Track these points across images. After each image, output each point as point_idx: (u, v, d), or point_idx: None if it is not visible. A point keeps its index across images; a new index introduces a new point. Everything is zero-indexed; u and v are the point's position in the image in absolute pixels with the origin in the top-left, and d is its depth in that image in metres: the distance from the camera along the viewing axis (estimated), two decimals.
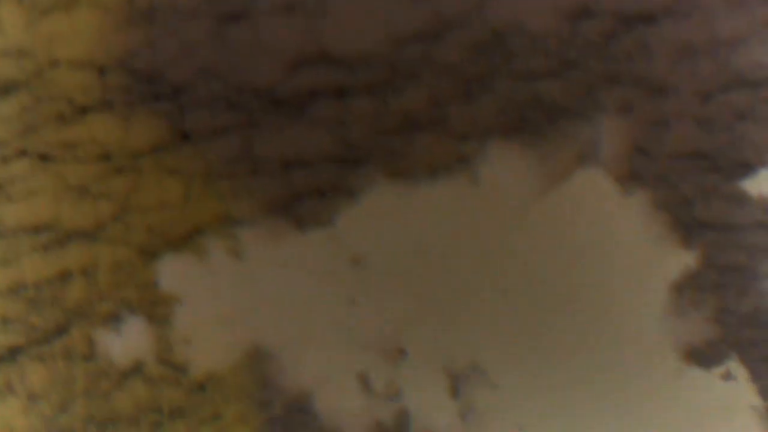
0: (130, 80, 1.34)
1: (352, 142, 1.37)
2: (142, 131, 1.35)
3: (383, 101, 1.37)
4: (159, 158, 1.36)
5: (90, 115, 1.35)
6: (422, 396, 1.36)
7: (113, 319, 1.37)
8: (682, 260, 1.36)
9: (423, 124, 1.37)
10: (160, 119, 1.35)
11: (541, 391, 1.36)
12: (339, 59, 1.36)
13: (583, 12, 1.36)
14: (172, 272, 1.36)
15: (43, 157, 1.35)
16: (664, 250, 1.36)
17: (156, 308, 1.37)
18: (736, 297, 1.36)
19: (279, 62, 1.36)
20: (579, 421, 1.36)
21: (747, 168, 1.36)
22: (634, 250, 1.36)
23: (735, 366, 1.35)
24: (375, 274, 1.36)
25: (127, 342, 1.37)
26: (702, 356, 1.36)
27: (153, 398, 1.38)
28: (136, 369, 1.38)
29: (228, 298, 1.36)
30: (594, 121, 1.36)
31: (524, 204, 1.37)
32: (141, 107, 1.35)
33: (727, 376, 1.35)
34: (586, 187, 1.36)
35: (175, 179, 1.36)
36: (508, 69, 1.37)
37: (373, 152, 1.37)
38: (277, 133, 1.36)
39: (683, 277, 1.36)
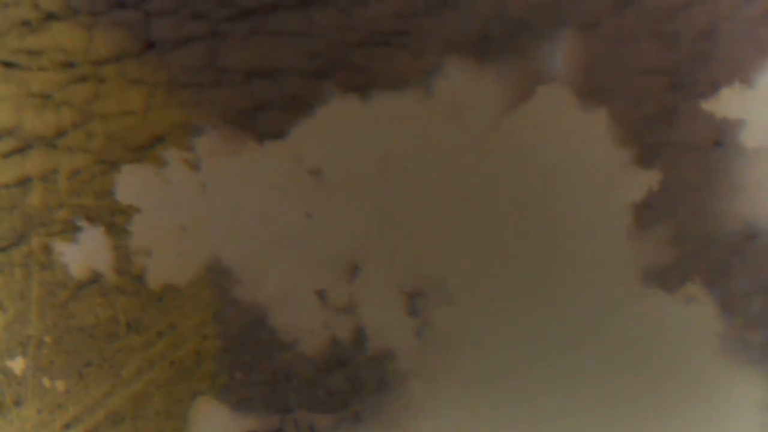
0: None
1: (315, 55, 1.37)
2: (106, 40, 1.36)
3: (347, 14, 1.36)
4: (122, 67, 1.36)
5: (54, 22, 1.35)
6: (379, 312, 1.35)
7: (71, 229, 1.37)
8: (642, 179, 1.34)
9: (386, 39, 1.37)
10: (124, 28, 1.36)
11: (499, 309, 1.34)
12: None
13: None
14: (132, 182, 1.36)
15: (7, 65, 1.36)
16: (627, 170, 1.34)
17: (114, 218, 1.36)
18: (697, 218, 1.34)
19: None
20: (537, 339, 1.33)
21: (709, 87, 1.34)
22: (594, 167, 1.35)
23: (695, 288, 1.33)
24: (332, 188, 1.35)
25: (84, 252, 1.37)
26: (664, 279, 1.34)
27: (110, 309, 1.36)
28: (94, 280, 1.37)
29: (186, 209, 1.36)
30: (556, 36, 1.35)
31: (483, 119, 1.36)
32: (105, 16, 1.36)
33: (688, 298, 1.33)
34: (546, 102, 1.35)
35: (137, 88, 1.36)
36: None
37: (335, 65, 1.36)
38: (240, 44, 1.36)
39: (644, 197, 1.34)
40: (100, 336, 1.36)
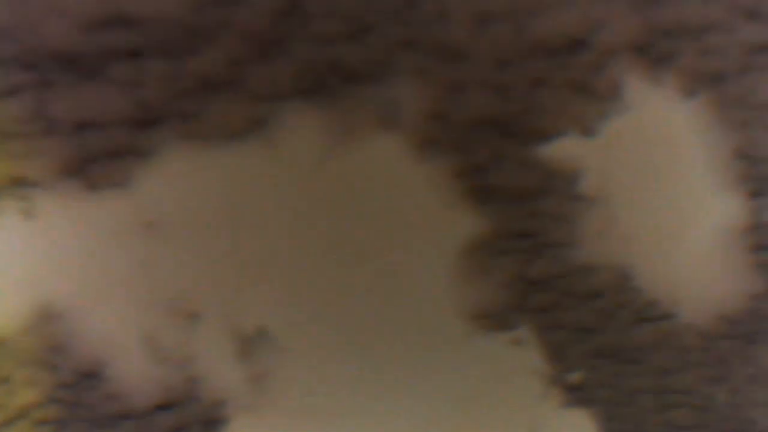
0: None
1: (147, 104, 1.35)
2: None
3: (180, 63, 1.35)
4: None
5: None
6: (213, 360, 1.35)
7: None
8: (474, 226, 1.35)
9: (219, 87, 1.36)
10: None
11: (332, 356, 1.35)
12: (135, 20, 1.35)
13: None
14: None
15: None
16: (457, 216, 1.35)
17: None
18: (528, 263, 1.35)
19: (74, 22, 1.35)
20: (368, 385, 1.35)
21: (542, 135, 1.35)
22: (427, 215, 1.35)
23: (525, 332, 1.35)
24: (168, 237, 1.35)
25: None
26: (492, 322, 1.35)
27: None
28: None
29: (19, 258, 1.35)
30: (391, 85, 1.35)
31: (319, 168, 1.36)
32: None
33: (517, 342, 1.35)
34: (381, 152, 1.35)
35: None
36: (306, 32, 1.35)
37: (168, 114, 1.35)
38: (71, 94, 1.35)
39: (475, 243, 1.35)
40: None
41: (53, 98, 1.35)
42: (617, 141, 1.34)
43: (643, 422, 1.36)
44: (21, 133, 1.34)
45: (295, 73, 1.35)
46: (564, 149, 1.34)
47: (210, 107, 1.36)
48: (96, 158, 1.35)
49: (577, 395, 1.35)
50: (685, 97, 1.33)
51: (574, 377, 1.35)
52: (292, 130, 1.35)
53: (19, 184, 1.34)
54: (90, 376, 1.35)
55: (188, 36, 1.35)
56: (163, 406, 1.34)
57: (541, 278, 1.34)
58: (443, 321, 1.34)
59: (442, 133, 1.35)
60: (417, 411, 1.35)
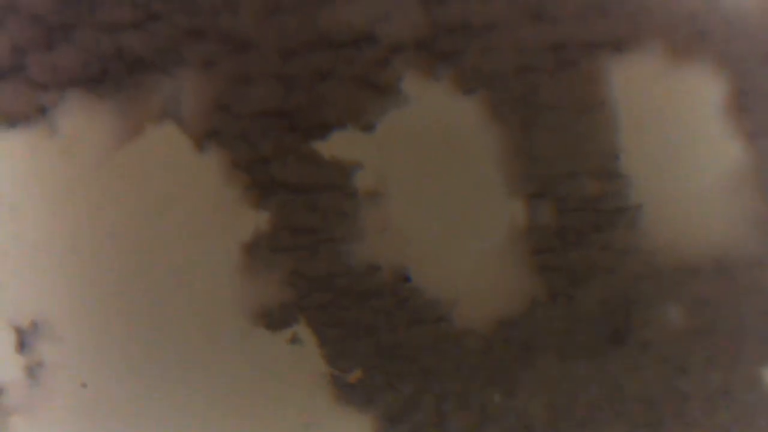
0: None
1: None
2: None
3: None
4: None
5: None
6: None
7: None
8: (255, 220, 1.34)
9: (2, 73, 1.35)
10: None
11: (109, 346, 1.33)
12: None
13: None
14: None
15: None
16: (238, 210, 1.34)
17: None
18: (308, 260, 1.34)
19: None
20: (144, 378, 1.33)
21: (324, 129, 1.34)
22: (208, 209, 1.34)
23: (303, 330, 1.33)
24: None
25: None
26: (270, 318, 1.33)
27: None
28: None
29: None
30: (175, 75, 1.34)
31: (101, 157, 1.34)
32: None
33: (294, 340, 1.33)
34: (162, 143, 1.34)
35: None
36: (92, 19, 1.35)
37: None
38: None
39: (255, 238, 1.34)
40: None
41: None
42: (396, 136, 1.33)
43: (421, 424, 1.34)
44: None
45: (79, 61, 1.34)
46: (343, 143, 1.33)
47: None
48: None
49: (355, 394, 1.34)
50: (464, 95, 1.32)
51: (352, 376, 1.33)
52: (75, 118, 1.34)
53: None
54: None
55: None
56: None
57: (319, 275, 1.33)
58: (223, 317, 1.32)
59: (225, 124, 1.34)
60: (195, 408, 1.33)
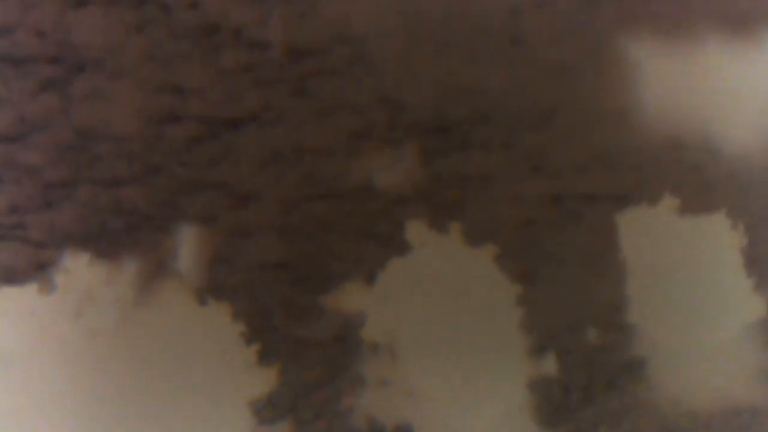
0: None
1: None
2: None
3: None
4: None
5: None
6: None
7: None
8: (260, 376, 1.32)
9: (1, 232, 1.33)
10: None
11: None
12: None
13: (169, 116, 1.33)
14: None
15: None
16: (245, 365, 1.32)
17: None
18: (313, 415, 1.32)
19: None
20: None
21: (327, 280, 1.33)
22: (216, 364, 1.32)
23: None
24: None
25: None
26: None
27: None
28: None
29: None
30: (175, 229, 1.33)
31: (106, 314, 1.33)
32: None
33: None
34: (165, 298, 1.32)
35: None
36: (91, 174, 1.33)
37: None
38: None
39: (262, 394, 1.32)
40: None
41: None
42: (400, 288, 1.31)
43: None
44: None
45: (77, 217, 1.33)
46: (347, 295, 1.31)
47: None
48: None
49: None
50: (469, 246, 1.31)
51: None
52: (74, 275, 1.32)
53: None
54: None
55: None
56: None
57: (327, 429, 1.31)
58: None
59: (227, 278, 1.32)
60: None
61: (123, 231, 1.33)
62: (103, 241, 1.33)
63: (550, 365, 1.31)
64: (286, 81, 1.32)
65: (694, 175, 1.32)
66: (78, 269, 1.32)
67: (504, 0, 1.32)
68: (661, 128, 1.33)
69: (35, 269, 1.33)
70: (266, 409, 1.32)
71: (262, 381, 1.32)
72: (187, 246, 1.33)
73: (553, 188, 1.32)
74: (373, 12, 1.32)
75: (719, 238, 1.32)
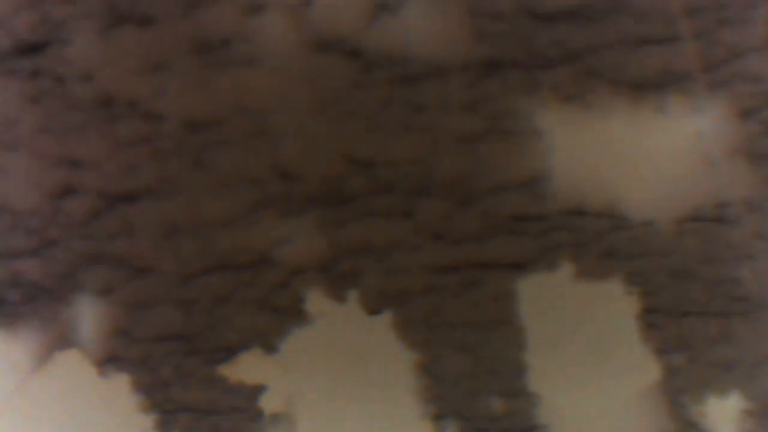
0: None
1: None
2: None
3: None
4: None
5: None
6: None
7: None
8: None
9: None
10: None
11: None
12: None
13: (66, 190, 1.33)
14: None
15: None
16: None
17: None
18: None
19: None
20: None
21: (226, 351, 1.32)
22: None
23: None
24: None
25: None
26: None
27: None
28: None
29: None
30: (74, 301, 1.32)
31: (1, 384, 1.32)
32: None
33: None
34: (63, 369, 1.32)
35: None
36: None
37: None
38: None
39: None
40: None
41: None
42: (301, 357, 1.31)
43: None
44: None
45: None
46: (248, 365, 1.31)
47: None
48: None
49: None
50: (370, 315, 1.31)
51: None
52: None
53: None
54: None
55: None
56: None
57: None
58: None
59: (126, 349, 1.32)
60: None
61: (21, 302, 1.33)
62: (1, 312, 1.32)
63: None
64: (183, 153, 1.32)
65: (594, 241, 1.32)
66: None
67: (405, 69, 1.31)
68: (563, 196, 1.33)
69: None
70: None
71: None
72: (86, 318, 1.32)
73: (453, 256, 1.32)
74: (272, 83, 1.31)
75: (616, 304, 1.32)
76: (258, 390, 1.33)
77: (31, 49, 1.30)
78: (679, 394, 1.31)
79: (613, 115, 1.32)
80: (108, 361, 1.32)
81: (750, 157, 1.34)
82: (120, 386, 1.32)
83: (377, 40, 1.31)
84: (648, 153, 1.33)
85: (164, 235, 1.33)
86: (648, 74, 1.33)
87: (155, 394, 1.32)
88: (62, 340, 1.32)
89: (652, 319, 1.32)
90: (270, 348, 1.32)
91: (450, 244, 1.32)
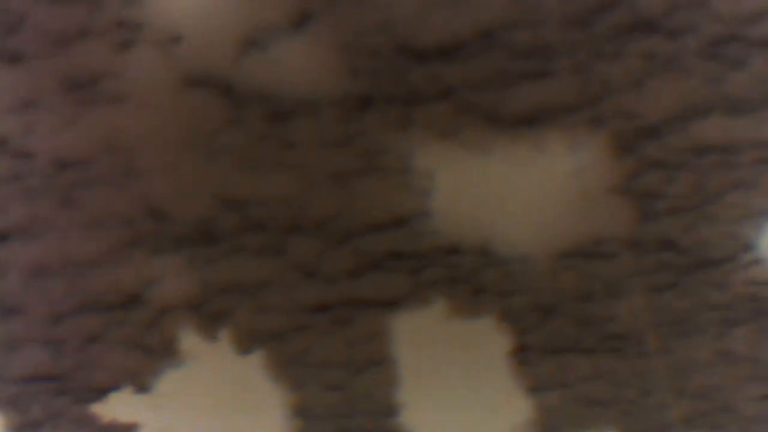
0: None
1: None
2: None
3: None
4: None
5: None
6: None
7: None
8: None
9: None
10: None
11: None
12: None
13: None
14: None
15: None
16: None
17: None
18: None
19: None
20: None
21: (98, 392, 1.32)
22: None
23: None
24: None
25: None
26: None
27: None
28: None
29: None
30: None
31: None
32: None
33: None
34: None
35: None
36: None
37: None
38: None
39: None
40: None
41: None
42: (174, 397, 1.30)
43: None
44: None
45: None
46: (120, 405, 1.31)
47: None
48: None
49: None
50: (241, 353, 1.30)
51: None
52: None
53: None
54: None
55: None
56: None
57: None
58: None
59: None
60: None
61: None
62: None
63: None
64: (52, 191, 1.30)
65: (468, 278, 1.31)
66: None
67: (277, 105, 1.30)
68: (438, 234, 1.32)
69: None
70: None
71: None
72: None
73: (325, 295, 1.31)
74: (142, 121, 1.30)
75: (489, 341, 1.31)
76: (131, 429, 1.32)
77: None
78: None
79: (490, 152, 1.31)
80: None
81: (627, 193, 1.33)
82: None
83: (248, 77, 1.30)
84: (525, 190, 1.32)
85: (33, 274, 1.31)
86: (525, 111, 1.31)
87: None
88: None
89: (524, 356, 1.32)
90: (142, 387, 1.32)
91: (322, 282, 1.31)
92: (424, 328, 1.32)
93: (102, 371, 1.31)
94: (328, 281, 1.32)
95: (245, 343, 1.31)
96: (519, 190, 1.33)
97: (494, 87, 1.31)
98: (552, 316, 1.32)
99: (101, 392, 1.31)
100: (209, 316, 1.31)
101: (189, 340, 1.31)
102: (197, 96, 1.30)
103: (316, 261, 1.32)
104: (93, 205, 1.30)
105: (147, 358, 1.31)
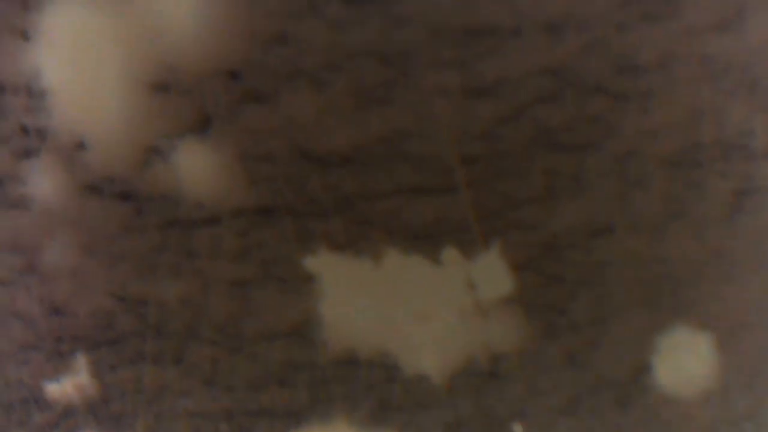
0: None
1: None
2: None
3: None
4: None
5: None
6: None
7: None
8: None
9: None
10: None
11: None
12: None
13: None
14: None
15: None
16: None
17: None
18: None
19: None
20: None
21: None
22: None
23: None
24: None
25: None
26: None
27: None
28: None
29: None
30: None
31: None
32: None
33: None
34: None
35: None
36: None
37: None
38: None
39: None
40: None
41: None
42: None
43: None
44: None
45: None
46: None
47: None
48: None
49: None
50: None
51: None
52: None
53: None
54: None
55: None
56: None
57: None
58: None
59: None
60: None
61: None
62: None
63: None
64: None
65: (367, 393, 1.31)
66: None
67: (176, 213, 1.31)
68: (337, 345, 1.31)
69: None
70: None
71: None
72: None
73: (224, 403, 1.32)
74: (43, 222, 1.32)
75: None
76: None
77: None
78: None
79: (386, 264, 1.30)
80: None
81: (525, 308, 1.31)
82: None
83: (149, 184, 1.31)
84: (421, 303, 1.31)
85: None
86: (422, 223, 1.30)
87: None
88: None
89: None
90: None
91: (221, 390, 1.32)
92: None
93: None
94: (226, 389, 1.32)
95: None
96: (414, 302, 1.32)
97: (392, 198, 1.30)
98: None
99: None
100: (108, 419, 1.33)
101: None
102: (99, 202, 1.31)
103: (216, 369, 1.32)
104: None
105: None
